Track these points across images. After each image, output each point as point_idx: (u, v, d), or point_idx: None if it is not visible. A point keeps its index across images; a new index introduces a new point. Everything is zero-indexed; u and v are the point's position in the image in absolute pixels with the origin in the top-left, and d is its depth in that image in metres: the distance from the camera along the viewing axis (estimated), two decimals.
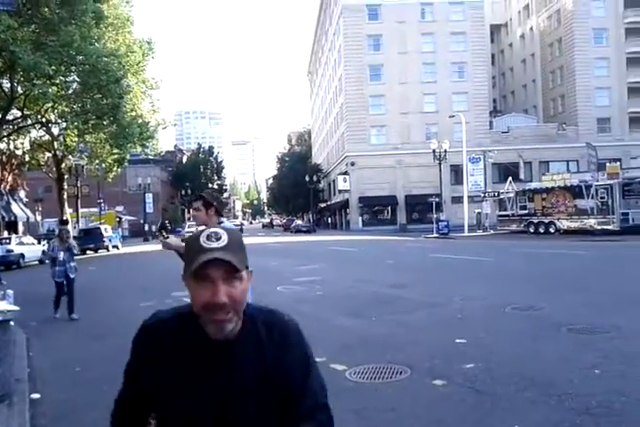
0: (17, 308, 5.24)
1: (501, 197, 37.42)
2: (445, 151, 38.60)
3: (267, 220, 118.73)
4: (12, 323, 5.10)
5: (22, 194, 39.22)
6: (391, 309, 9.22)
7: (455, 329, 7.39)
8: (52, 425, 4.68)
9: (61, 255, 9.88)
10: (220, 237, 1.42)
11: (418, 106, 53.82)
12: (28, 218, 37.80)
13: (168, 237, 4.58)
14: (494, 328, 7.48)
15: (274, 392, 1.43)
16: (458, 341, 6.72)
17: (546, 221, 32.00)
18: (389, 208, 54.36)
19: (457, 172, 48.05)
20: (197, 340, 1.45)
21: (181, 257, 4.56)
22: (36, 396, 5.39)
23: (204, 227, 4.83)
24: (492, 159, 45.53)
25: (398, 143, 53.27)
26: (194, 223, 68.06)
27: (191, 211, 4.74)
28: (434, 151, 39.01)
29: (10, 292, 5.08)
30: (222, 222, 4.53)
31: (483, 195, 40.44)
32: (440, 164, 38.83)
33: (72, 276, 10.07)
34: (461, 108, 49.99)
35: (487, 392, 4.86)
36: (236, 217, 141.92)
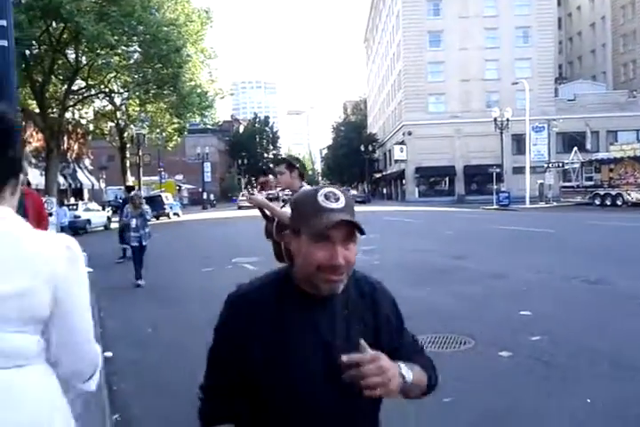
0: (91, 269, 5.42)
1: (566, 167, 36.10)
2: (507, 120, 37.28)
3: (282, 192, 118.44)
4: None
5: (87, 162, 40.53)
6: (452, 279, 9.09)
7: (520, 301, 7.23)
8: (124, 383, 4.86)
9: (134, 222, 9.77)
10: (339, 198, 1.38)
11: (479, 73, 52.06)
12: (92, 185, 39.12)
13: (254, 194, 4.59)
14: (561, 301, 7.28)
15: (375, 342, 1.40)
16: (522, 313, 6.58)
17: (613, 192, 30.75)
18: (447, 179, 53.38)
19: (519, 141, 46.54)
20: (294, 301, 1.43)
21: (264, 215, 4.57)
22: (108, 354, 5.61)
23: (286, 190, 4.85)
24: (557, 128, 43.80)
25: (457, 111, 51.90)
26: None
27: (273, 176, 4.72)
28: (495, 120, 37.76)
29: (84, 254, 5.25)
30: (303, 186, 4.46)
31: (546, 165, 39.10)
32: (502, 133, 37.62)
33: (144, 243, 9.99)
34: (525, 75, 48.00)
35: (555, 365, 4.75)
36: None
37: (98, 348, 1.43)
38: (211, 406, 1.50)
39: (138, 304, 8.40)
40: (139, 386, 4.76)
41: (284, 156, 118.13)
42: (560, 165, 37.43)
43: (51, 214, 8.91)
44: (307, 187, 4.46)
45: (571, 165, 35.40)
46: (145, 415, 4.12)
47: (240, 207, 54.03)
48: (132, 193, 10.84)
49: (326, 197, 1.37)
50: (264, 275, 1.57)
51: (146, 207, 10.05)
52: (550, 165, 38.84)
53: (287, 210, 4.23)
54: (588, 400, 3.95)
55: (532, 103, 40.20)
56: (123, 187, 25.91)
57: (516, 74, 49.14)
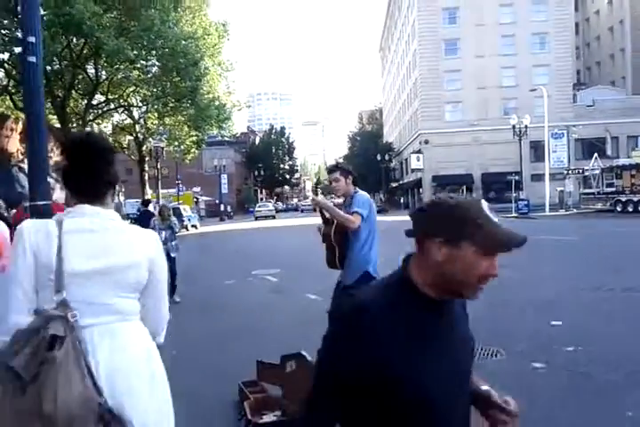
0: None
1: (586, 174, 35.69)
2: (526, 127, 37.06)
3: (337, 200, 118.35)
4: None
5: None
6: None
7: (549, 310, 7.10)
8: None
9: (163, 234, 9.39)
10: (493, 212, 1.43)
11: (496, 80, 51.86)
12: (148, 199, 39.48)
13: (318, 196, 4.63)
14: (590, 310, 7.14)
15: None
16: (553, 323, 6.45)
17: (635, 199, 30.30)
18: (464, 187, 53.06)
19: (537, 148, 46.19)
20: (421, 305, 1.40)
21: (324, 218, 4.55)
22: None
23: (340, 198, 4.85)
24: (576, 135, 43.42)
25: (475, 119, 51.67)
26: (268, 202, 69.22)
27: (330, 182, 4.61)
28: (513, 127, 37.55)
29: None
30: (358, 191, 4.51)
31: (565, 172, 38.72)
32: (520, 140, 37.38)
33: (173, 255, 9.65)
34: (542, 82, 47.71)
35: (592, 376, 4.64)
36: (306, 198, 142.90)
37: (167, 310, 2.06)
38: None
39: None
40: None
41: (298, 166, 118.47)
42: (580, 171, 37.03)
43: None
44: (361, 192, 4.50)
45: (591, 172, 35.00)
46: None
47: (257, 218, 54.24)
48: (161, 204, 10.76)
49: (490, 211, 1.41)
50: (376, 282, 1.55)
51: (174, 219, 10.03)
52: (570, 172, 38.46)
53: (347, 215, 4.32)
54: (630, 413, 3.83)
55: (550, 110, 39.93)
56: (140, 200, 26.07)
57: (534, 80, 48.89)
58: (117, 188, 1.97)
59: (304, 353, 4.09)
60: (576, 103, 52.17)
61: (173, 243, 9.75)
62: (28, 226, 1.83)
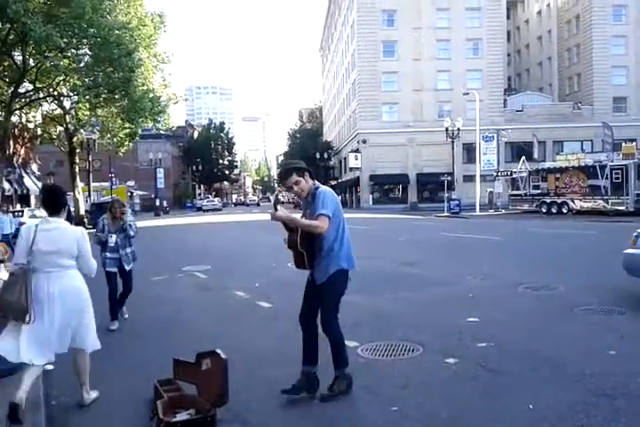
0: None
1: (514, 176, 37.08)
2: (459, 129, 38.16)
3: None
4: None
5: (34, 167, 39.32)
6: (402, 286, 9.17)
7: (467, 308, 7.35)
8: (65, 396, 4.69)
9: (113, 238, 7.23)
10: None
11: (431, 83, 53.11)
12: (39, 191, 37.97)
13: (278, 210, 4.36)
14: (507, 307, 7.44)
15: None
16: (470, 319, 6.68)
17: (559, 201, 31.74)
18: (400, 186, 54.08)
19: (469, 150, 47.62)
20: None
21: (286, 227, 4.45)
22: (49, 367, 5.39)
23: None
24: (506, 138, 45.00)
25: (410, 121, 52.72)
26: (215, 199, 68.25)
27: (290, 187, 4.37)
28: (447, 129, 38.59)
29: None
30: (318, 187, 4.38)
31: (495, 174, 40.13)
32: (453, 142, 38.45)
33: (127, 268, 7.46)
34: (475, 86, 49.27)
35: (500, 371, 4.83)
36: (246, 194, 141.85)
37: (95, 262, 4.38)
38: None
39: None
40: (78, 400, 4.60)
41: (238, 162, 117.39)
42: (509, 173, 38.42)
43: None
44: (324, 188, 4.39)
45: (519, 174, 36.36)
46: None
47: (204, 211, 53.39)
48: (113, 198, 8.46)
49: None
50: None
51: (129, 219, 7.45)
52: (499, 174, 39.87)
53: (313, 222, 4.18)
54: (530, 406, 4.03)
55: (482, 113, 41.28)
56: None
57: (468, 84, 50.47)
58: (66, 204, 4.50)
59: (219, 351, 4.09)
60: (506, 108, 54.14)
61: (128, 250, 7.43)
62: (27, 225, 4.20)
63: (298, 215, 4.48)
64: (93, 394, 4.53)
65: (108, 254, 7.29)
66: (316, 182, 4.43)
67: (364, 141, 53.31)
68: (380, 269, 11.11)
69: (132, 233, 7.42)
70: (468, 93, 41.71)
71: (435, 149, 48.98)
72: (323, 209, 4.16)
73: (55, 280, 4.08)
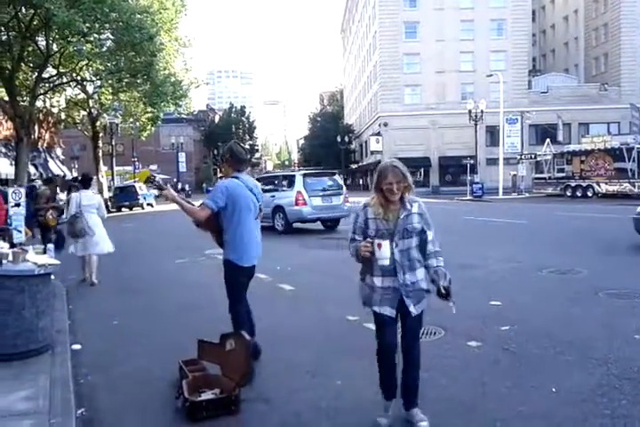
0: (58, 262, 5.34)
1: (538, 159, 36.55)
2: (482, 112, 37.61)
3: None
4: (52, 277, 5.19)
5: (59, 152, 39.77)
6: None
7: (490, 291, 7.32)
8: (93, 374, 4.80)
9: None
10: None
11: (454, 65, 52.28)
12: (64, 175, 38.43)
13: (167, 189, 4.73)
14: (530, 291, 7.39)
15: None
16: (493, 303, 6.66)
17: (584, 184, 31.26)
18: (422, 170, 53.68)
19: (493, 133, 47.02)
20: None
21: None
22: (76, 347, 5.55)
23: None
24: (530, 120, 44.28)
25: (433, 103, 52.12)
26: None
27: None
28: (470, 112, 38.07)
29: (50, 246, 5.19)
30: (223, 180, 4.81)
31: (519, 157, 39.58)
32: (476, 124, 37.94)
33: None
34: (499, 68, 48.45)
35: (523, 354, 4.82)
36: None
37: (105, 212, 9.62)
38: None
39: (107, 296, 8.28)
40: (107, 379, 4.71)
41: (259, 146, 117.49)
42: (533, 156, 37.88)
43: (19, 205, 8.71)
44: (227, 179, 4.70)
45: (543, 157, 35.84)
46: (111, 409, 4.07)
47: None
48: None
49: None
50: None
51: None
52: (523, 157, 39.32)
53: (192, 208, 4.56)
54: (553, 389, 4.02)
55: (505, 95, 40.62)
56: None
57: (491, 66, 49.57)
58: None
59: (242, 332, 4.14)
60: (531, 89, 53.14)
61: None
62: (75, 194, 9.13)
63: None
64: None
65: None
66: (239, 174, 4.69)
67: (386, 124, 52.89)
68: None
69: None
70: (491, 75, 41.05)
71: (457, 132, 48.45)
72: (206, 199, 4.53)
73: (90, 217, 8.93)
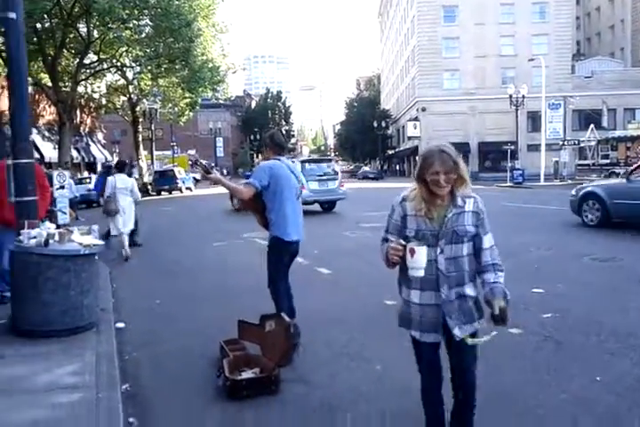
0: (102, 242, 5.46)
1: (582, 145, 35.67)
2: (523, 97, 36.77)
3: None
4: (96, 257, 5.31)
5: (100, 136, 40.61)
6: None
7: (531, 278, 7.20)
8: (136, 351, 4.92)
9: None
10: None
11: (494, 49, 51.12)
12: (105, 159, 39.25)
13: (211, 173, 4.88)
14: (572, 278, 7.24)
15: None
16: (534, 290, 6.55)
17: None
18: (460, 156, 52.80)
19: (534, 118, 45.98)
20: None
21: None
22: (120, 325, 5.69)
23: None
24: (573, 106, 43.13)
25: (472, 88, 51.17)
26: None
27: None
28: (510, 97, 37.26)
29: (95, 227, 5.31)
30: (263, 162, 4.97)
31: (561, 143, 38.63)
32: (517, 110, 37.13)
33: None
34: (541, 52, 47.16)
35: (565, 342, 4.74)
36: None
37: (139, 194, 10.52)
38: None
39: (149, 277, 8.46)
40: (150, 356, 4.82)
41: (295, 131, 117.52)
42: (576, 142, 36.95)
43: (63, 187, 8.96)
44: (267, 161, 4.84)
45: (587, 143, 34.97)
46: (154, 385, 4.17)
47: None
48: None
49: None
50: None
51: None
52: (566, 143, 38.37)
53: (237, 187, 4.74)
54: (598, 378, 3.94)
55: (548, 80, 39.52)
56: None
57: (533, 50, 48.29)
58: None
59: (282, 314, 4.18)
60: (574, 74, 51.63)
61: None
62: (111, 177, 10.13)
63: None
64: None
65: None
66: (279, 157, 4.85)
67: (424, 109, 52.23)
68: None
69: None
70: (533, 59, 40.02)
71: (497, 118, 47.54)
72: (251, 178, 4.69)
73: (123, 199, 9.80)
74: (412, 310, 2.74)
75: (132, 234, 10.79)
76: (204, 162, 4.89)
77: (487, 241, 2.77)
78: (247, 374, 4.00)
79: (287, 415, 3.59)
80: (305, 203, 17.40)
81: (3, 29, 4.86)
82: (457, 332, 2.71)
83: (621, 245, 9.86)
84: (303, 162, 17.56)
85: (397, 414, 3.53)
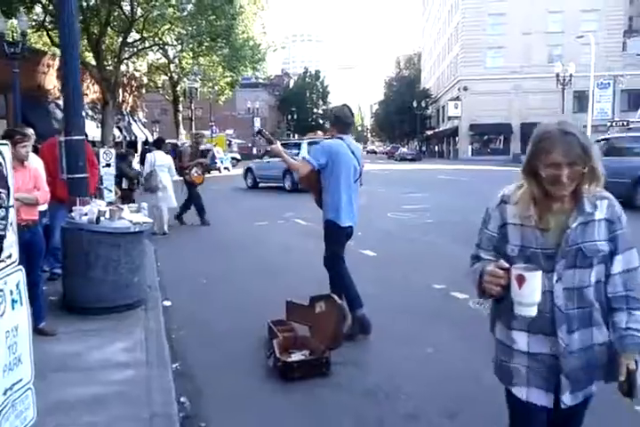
0: (151, 220, 5.48)
1: (631, 126, 34.34)
2: (571, 76, 35.55)
3: (370, 147, 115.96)
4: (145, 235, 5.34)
5: (141, 115, 41.00)
6: None
7: None
8: (183, 330, 4.95)
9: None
10: None
11: (541, 25, 49.46)
12: (146, 138, 39.69)
13: (274, 143, 4.81)
14: None
15: None
16: None
17: None
18: (502, 137, 51.80)
19: (580, 98, 44.50)
20: None
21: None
22: (167, 303, 5.73)
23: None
24: (623, 85, 41.54)
25: (517, 66, 49.76)
26: None
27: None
28: (557, 75, 36.07)
29: (144, 204, 5.32)
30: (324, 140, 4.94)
31: (609, 124, 37.30)
32: (563, 89, 35.96)
33: None
34: (591, 28, 45.33)
35: None
36: None
37: (175, 171, 10.76)
38: None
39: (193, 256, 8.50)
40: (197, 335, 4.84)
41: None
42: (625, 123, 35.57)
43: (109, 165, 9.02)
44: (329, 141, 4.67)
45: (637, 124, 33.66)
46: (203, 364, 4.18)
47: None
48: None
49: None
50: None
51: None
52: (614, 124, 37.00)
53: (295, 163, 4.64)
54: None
55: (597, 58, 38.09)
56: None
57: (582, 27, 46.48)
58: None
59: (333, 296, 4.12)
60: (625, 52, 49.61)
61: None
62: (150, 154, 10.52)
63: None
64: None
65: None
66: (343, 135, 4.61)
67: (465, 89, 51.15)
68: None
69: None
70: (582, 36, 38.52)
71: (542, 97, 46.23)
72: (308, 155, 4.63)
73: (164, 176, 10.06)
74: (516, 359, 1.95)
75: (201, 213, 11.17)
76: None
77: (621, 262, 1.88)
78: (297, 356, 3.97)
79: (340, 398, 3.56)
80: None
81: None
82: (566, 399, 1.90)
83: None
84: (309, 144, 17.82)
85: (450, 398, 3.47)
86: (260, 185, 21.36)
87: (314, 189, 4.66)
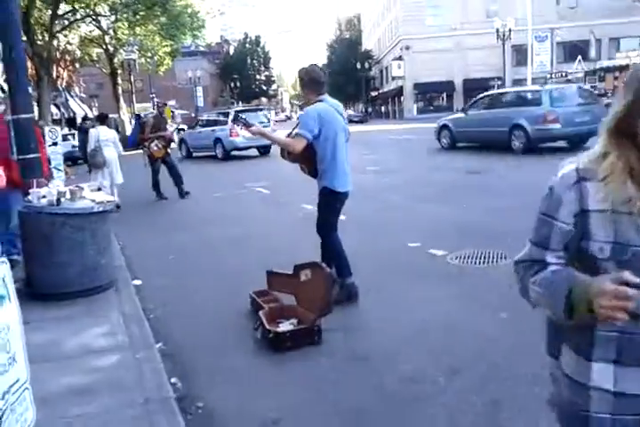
0: (115, 198, 5.23)
1: (569, 77, 35.10)
2: (510, 30, 35.82)
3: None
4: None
5: (78, 90, 39.33)
6: (476, 196, 8.88)
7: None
8: (160, 309, 4.80)
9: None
10: None
11: None
12: (85, 114, 38.18)
13: (253, 126, 4.58)
14: None
15: None
16: None
17: None
18: (445, 94, 52.09)
19: (519, 52, 44.87)
20: None
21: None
22: (137, 282, 5.55)
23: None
24: (560, 37, 42.16)
25: (457, 23, 49.72)
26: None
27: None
28: (497, 30, 36.29)
29: (106, 183, 5.06)
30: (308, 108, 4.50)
31: (548, 76, 38.02)
32: (504, 44, 36.24)
33: None
34: None
35: None
36: (284, 110, 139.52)
37: (121, 146, 10.48)
38: None
39: (153, 233, 8.21)
40: (175, 313, 4.70)
41: (275, 77, 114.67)
42: (563, 75, 36.37)
43: (55, 144, 8.55)
44: (312, 107, 4.36)
45: (574, 75, 34.42)
46: (187, 342, 4.07)
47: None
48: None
49: None
50: None
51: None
52: (553, 76, 37.76)
53: (287, 140, 4.35)
54: None
55: (532, 12, 38.41)
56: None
57: None
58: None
59: (320, 263, 4.04)
60: (559, 5, 50.13)
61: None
62: (95, 129, 10.21)
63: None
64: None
65: None
66: (322, 97, 4.38)
67: (407, 48, 50.92)
68: (448, 180, 10.85)
69: None
70: None
71: (482, 53, 46.41)
72: (299, 129, 4.23)
73: (109, 150, 9.81)
74: (595, 401, 1.32)
75: (179, 186, 10.99)
76: (243, 116, 4.56)
77: None
78: (285, 326, 3.89)
79: (336, 366, 3.51)
80: (240, 149, 18.93)
81: None
82: None
83: None
84: (237, 112, 17.31)
85: (451, 355, 3.46)
86: (194, 155, 21.38)
87: (308, 160, 4.40)
